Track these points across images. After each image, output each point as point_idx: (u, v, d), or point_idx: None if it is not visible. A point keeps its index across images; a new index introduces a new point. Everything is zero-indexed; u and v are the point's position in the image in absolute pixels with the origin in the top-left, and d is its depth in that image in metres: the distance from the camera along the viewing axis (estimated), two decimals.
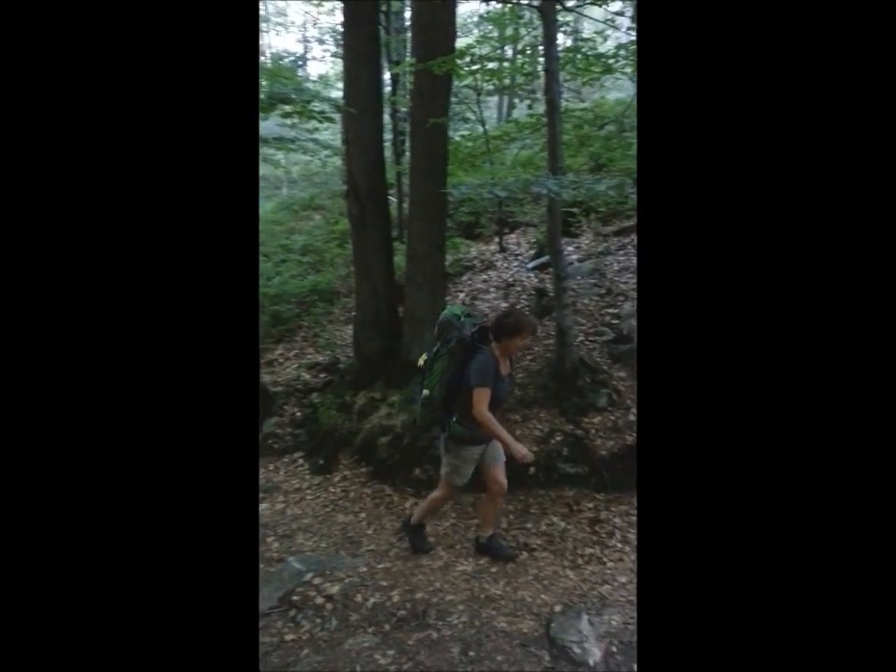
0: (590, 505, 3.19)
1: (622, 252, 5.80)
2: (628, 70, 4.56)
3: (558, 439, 3.60)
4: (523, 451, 2.42)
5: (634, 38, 6.20)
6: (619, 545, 2.83)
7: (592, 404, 3.80)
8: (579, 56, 4.08)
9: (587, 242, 6.25)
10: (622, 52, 4.37)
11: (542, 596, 2.46)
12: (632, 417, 3.61)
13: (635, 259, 5.60)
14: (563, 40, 9.95)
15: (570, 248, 6.04)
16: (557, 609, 2.35)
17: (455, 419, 2.50)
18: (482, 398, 2.40)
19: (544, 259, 5.60)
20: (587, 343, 4.40)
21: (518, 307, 5.16)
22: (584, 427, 3.63)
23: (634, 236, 5.98)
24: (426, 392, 2.52)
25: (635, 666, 2.06)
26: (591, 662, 2.07)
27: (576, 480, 3.38)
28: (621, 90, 10.57)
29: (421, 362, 2.59)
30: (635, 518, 3.03)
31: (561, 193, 3.16)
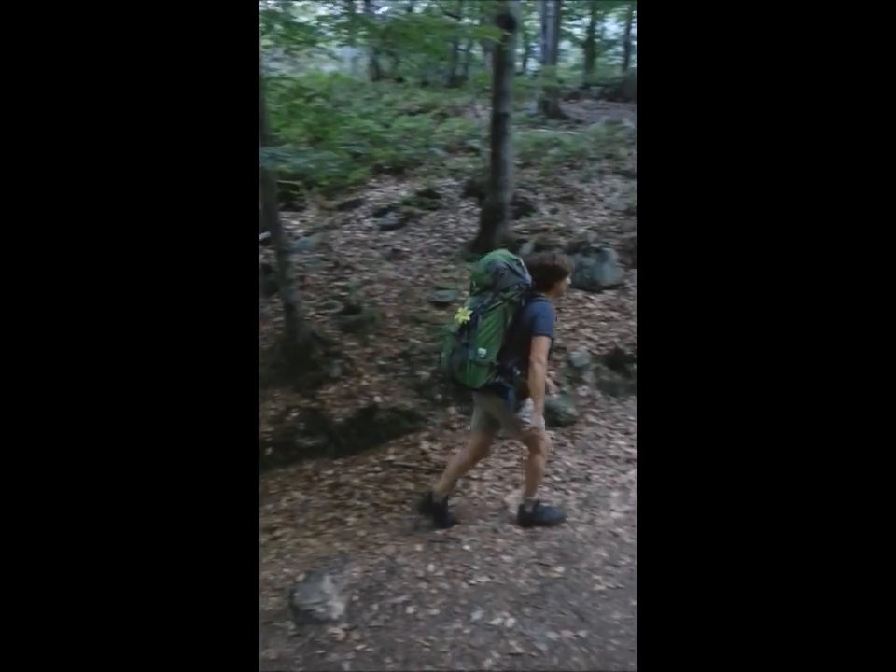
0: (329, 472, 3.30)
1: (346, 226, 5.96)
2: (334, 44, 4.62)
3: (294, 415, 3.60)
4: (541, 424, 2.42)
5: (341, 12, 6.25)
6: (358, 503, 3.00)
7: (326, 375, 3.89)
8: (279, 24, 3.95)
9: (312, 216, 6.23)
10: (324, 25, 4.39)
11: (285, 570, 2.47)
12: (364, 382, 3.82)
13: (360, 232, 5.82)
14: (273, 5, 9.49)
15: (296, 222, 5.95)
16: (300, 578, 2.40)
17: (519, 374, 2.31)
18: (545, 346, 2.28)
19: (268, 233, 5.39)
20: (318, 316, 4.44)
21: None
22: (319, 398, 3.70)
23: (357, 210, 6.21)
24: (482, 351, 2.25)
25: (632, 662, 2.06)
26: (335, 616, 2.18)
27: (314, 451, 3.44)
28: (337, 63, 10.66)
29: (465, 317, 2.29)
30: (371, 475, 3.24)
31: (263, 166, 3.06)
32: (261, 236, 5.55)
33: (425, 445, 3.37)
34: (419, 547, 2.55)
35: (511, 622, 2.10)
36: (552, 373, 3.04)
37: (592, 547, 2.50)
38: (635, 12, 14.28)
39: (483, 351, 2.26)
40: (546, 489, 2.98)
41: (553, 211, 5.25)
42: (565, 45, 15.30)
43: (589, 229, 4.88)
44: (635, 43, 15.15)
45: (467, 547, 2.52)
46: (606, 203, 5.26)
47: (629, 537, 2.53)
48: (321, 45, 4.31)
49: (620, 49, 14.47)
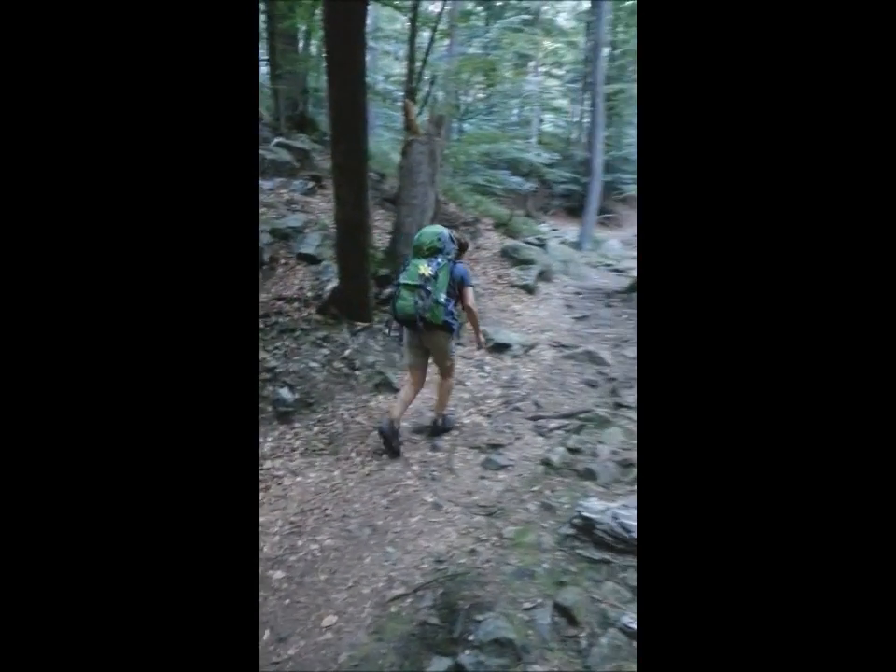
0: None
1: None
2: None
3: None
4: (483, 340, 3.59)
5: None
6: None
7: None
8: None
9: None
10: None
11: None
12: None
13: None
14: None
15: None
16: None
17: (458, 315, 3.30)
18: (473, 294, 3.35)
19: None
20: None
21: None
22: None
23: None
24: (442, 296, 3.13)
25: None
26: None
27: None
28: None
29: (428, 272, 3.12)
30: None
31: None
32: None
33: None
34: None
35: None
36: None
37: None
38: None
39: (442, 296, 3.13)
40: None
41: None
42: None
43: None
44: None
45: None
46: None
47: None
48: None
49: None
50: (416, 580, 2.20)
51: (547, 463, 2.94)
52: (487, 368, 4.65)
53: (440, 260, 3.18)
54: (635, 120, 20.63)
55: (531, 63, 16.74)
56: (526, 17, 13.96)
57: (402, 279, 3.20)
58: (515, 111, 16.98)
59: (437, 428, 3.52)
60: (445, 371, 3.45)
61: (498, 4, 17.28)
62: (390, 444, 3.24)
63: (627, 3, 18.75)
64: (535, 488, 2.75)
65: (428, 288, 3.11)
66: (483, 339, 3.57)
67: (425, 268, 3.14)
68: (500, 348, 4.95)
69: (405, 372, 3.66)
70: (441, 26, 8.84)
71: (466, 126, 13.20)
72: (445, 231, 3.31)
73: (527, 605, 1.92)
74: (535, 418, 3.67)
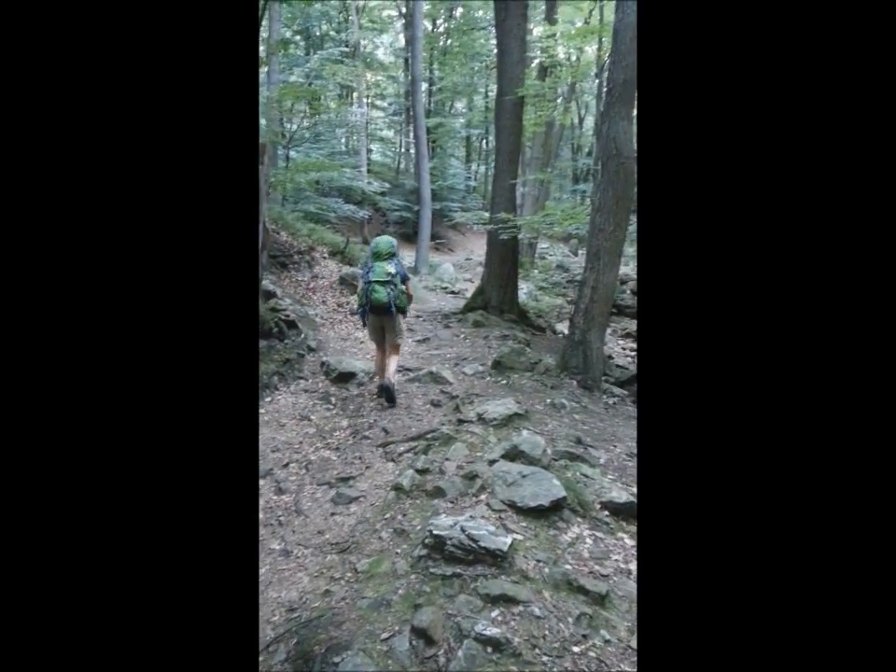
0: None
1: None
2: None
3: None
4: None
5: None
6: None
7: None
8: None
9: None
10: None
11: None
12: None
13: None
14: None
15: None
16: None
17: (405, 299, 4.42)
18: (411, 284, 4.59)
19: None
20: None
21: None
22: None
23: None
24: (402, 287, 4.31)
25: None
26: None
27: None
28: None
29: (391, 270, 4.23)
30: None
31: None
32: None
33: None
34: None
35: None
36: None
37: None
38: None
39: (402, 287, 4.32)
40: None
41: None
42: None
43: None
44: None
45: None
46: None
47: None
48: None
49: None
50: (267, 635, 2.06)
51: (398, 488, 2.97)
52: (333, 399, 4.57)
53: (394, 262, 4.32)
54: (457, 152, 22.26)
55: (355, 94, 17.07)
56: (345, 49, 14.23)
57: (372, 277, 4.24)
58: (343, 140, 17.13)
59: (389, 390, 4.39)
60: (395, 347, 4.48)
61: (317, 34, 17.42)
62: (391, 394, 4.30)
63: (440, 44, 20.13)
64: (387, 515, 2.76)
65: (395, 283, 4.26)
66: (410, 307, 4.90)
67: (390, 267, 4.26)
68: (345, 378, 4.89)
69: (372, 345, 4.88)
70: (259, 53, 8.62)
71: (293, 154, 12.96)
72: (394, 240, 4.51)
73: (385, 635, 1.91)
74: (384, 444, 3.69)
